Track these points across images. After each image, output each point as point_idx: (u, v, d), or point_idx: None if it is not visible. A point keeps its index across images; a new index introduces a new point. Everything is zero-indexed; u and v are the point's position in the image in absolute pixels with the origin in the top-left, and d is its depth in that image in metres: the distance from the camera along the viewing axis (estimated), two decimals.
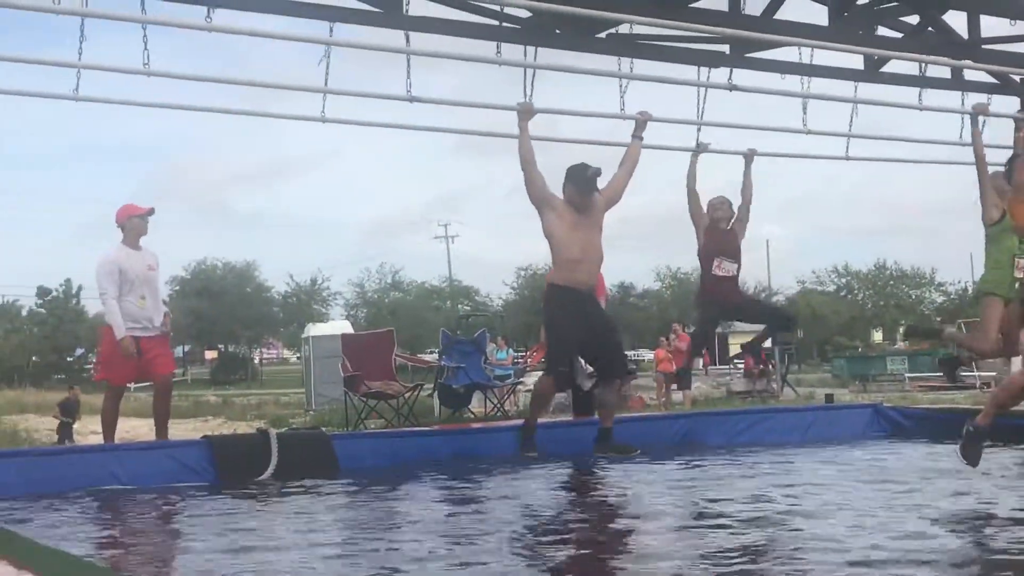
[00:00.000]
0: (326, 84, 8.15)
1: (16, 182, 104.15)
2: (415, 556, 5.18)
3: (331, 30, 8.22)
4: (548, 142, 9.63)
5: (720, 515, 6.15)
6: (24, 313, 64.52)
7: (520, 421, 9.25)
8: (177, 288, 62.05)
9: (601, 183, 8.19)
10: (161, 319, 9.30)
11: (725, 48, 10.16)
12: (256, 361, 68.65)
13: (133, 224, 9.26)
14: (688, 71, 9.77)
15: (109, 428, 9.23)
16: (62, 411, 21.42)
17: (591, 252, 8.07)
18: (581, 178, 8.02)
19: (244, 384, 54.80)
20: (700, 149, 9.78)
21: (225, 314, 60.79)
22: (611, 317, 8.65)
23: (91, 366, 61.58)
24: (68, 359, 61.09)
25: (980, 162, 8.68)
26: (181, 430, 13.68)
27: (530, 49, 9.09)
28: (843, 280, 72.51)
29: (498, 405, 18.20)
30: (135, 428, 20.49)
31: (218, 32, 7.44)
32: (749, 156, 9.95)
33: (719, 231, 9.67)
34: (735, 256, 9.67)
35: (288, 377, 52.63)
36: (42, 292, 63.07)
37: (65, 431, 20.29)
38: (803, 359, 56.97)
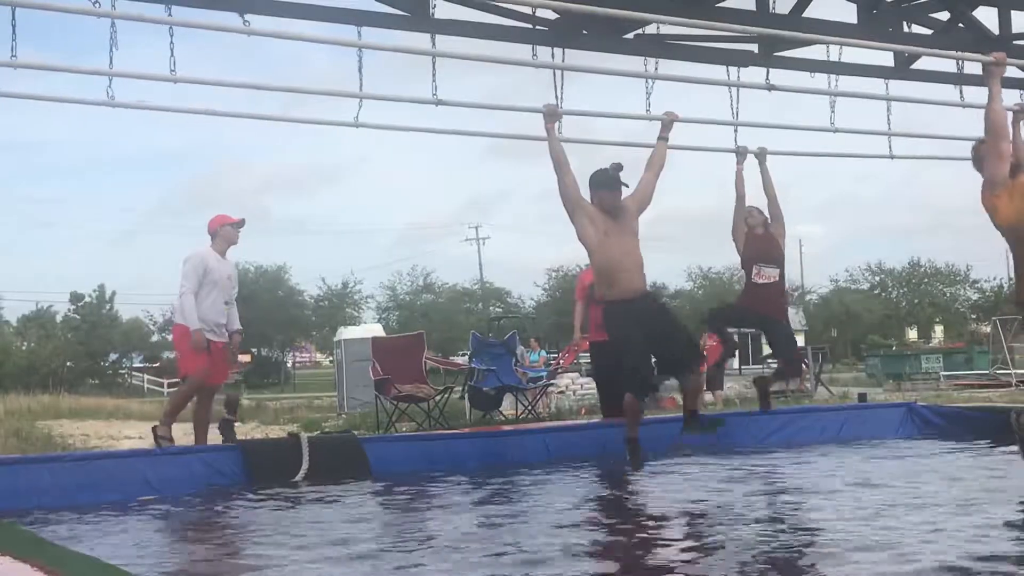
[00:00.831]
0: (360, 89, 8.14)
1: (51, 190, 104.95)
2: (446, 556, 5.18)
3: (359, 34, 8.23)
4: (582, 144, 9.56)
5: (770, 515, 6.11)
6: (58, 319, 65.00)
7: (552, 423, 9.24)
8: None
9: (628, 188, 8.11)
10: (233, 330, 9.46)
11: (753, 47, 10.10)
12: (289, 364, 68.85)
13: (225, 232, 9.40)
14: (715, 71, 9.72)
15: (201, 426, 9.29)
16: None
17: (629, 258, 7.90)
18: (605, 179, 7.95)
19: (277, 388, 54.99)
20: (742, 151, 9.68)
21: (258, 318, 60.93)
22: (671, 313, 8.50)
23: (124, 372, 62.14)
24: (102, 364, 61.48)
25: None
26: (214, 434, 13.63)
27: (558, 51, 9.06)
28: (877, 278, 72.01)
29: (529, 407, 18.16)
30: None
31: (253, 35, 7.45)
32: (761, 155, 9.82)
33: (756, 237, 9.61)
34: (776, 261, 9.58)
35: (321, 380, 52.76)
36: (75, 298, 63.53)
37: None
38: (837, 358, 56.65)
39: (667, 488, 7.88)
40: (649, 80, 8.98)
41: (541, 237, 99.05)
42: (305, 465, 8.32)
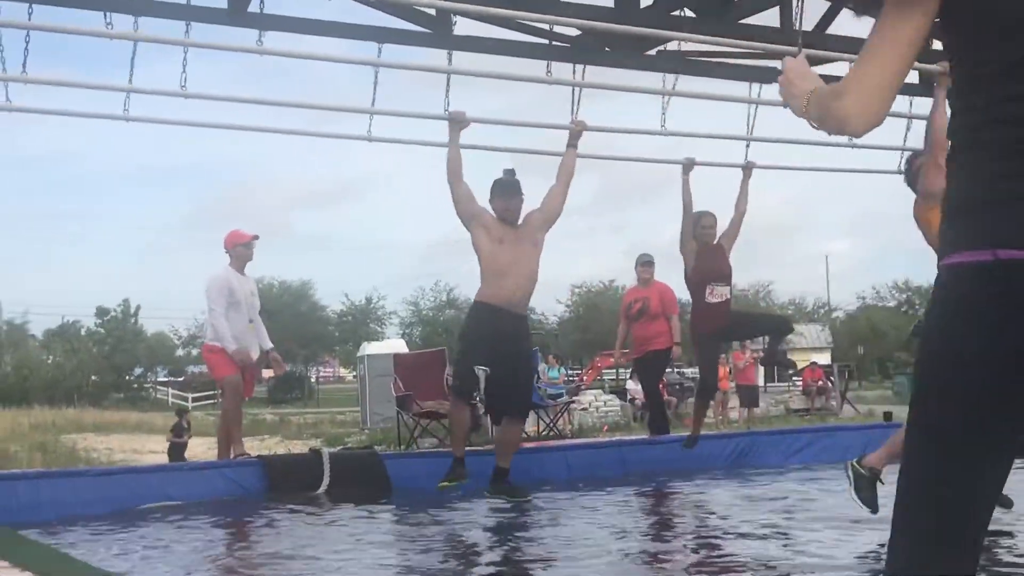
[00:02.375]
0: (373, 104, 8.18)
1: (78, 204, 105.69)
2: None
3: (379, 51, 8.26)
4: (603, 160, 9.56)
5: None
6: (83, 333, 65.35)
7: (574, 441, 9.19)
8: None
9: (537, 201, 7.93)
10: (266, 350, 9.57)
11: (777, 64, 10.06)
12: (312, 379, 69.00)
13: (239, 252, 9.45)
14: (738, 87, 9.69)
15: (224, 441, 9.29)
16: (175, 434, 21.69)
17: (518, 267, 7.59)
18: (500, 188, 7.78)
19: (300, 403, 55.09)
20: (689, 163, 9.51)
21: (281, 333, 61.22)
22: (528, 347, 8.05)
23: (149, 386, 62.35)
24: (127, 378, 61.76)
25: None
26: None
27: (578, 67, 9.05)
28: (904, 296, 71.64)
29: (551, 424, 18.14)
30: (192, 447, 20.68)
31: (269, 55, 7.51)
32: (747, 168, 9.64)
33: (708, 250, 9.33)
34: (727, 278, 9.34)
35: (344, 396, 52.85)
36: (101, 312, 63.89)
37: (177, 451, 20.39)
38: (864, 376, 56.35)
39: (676, 505, 7.83)
40: (665, 97, 8.97)
41: (564, 254, 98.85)
42: (326, 480, 8.32)
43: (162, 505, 7.68)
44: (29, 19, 6.63)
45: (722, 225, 9.42)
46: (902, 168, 6.93)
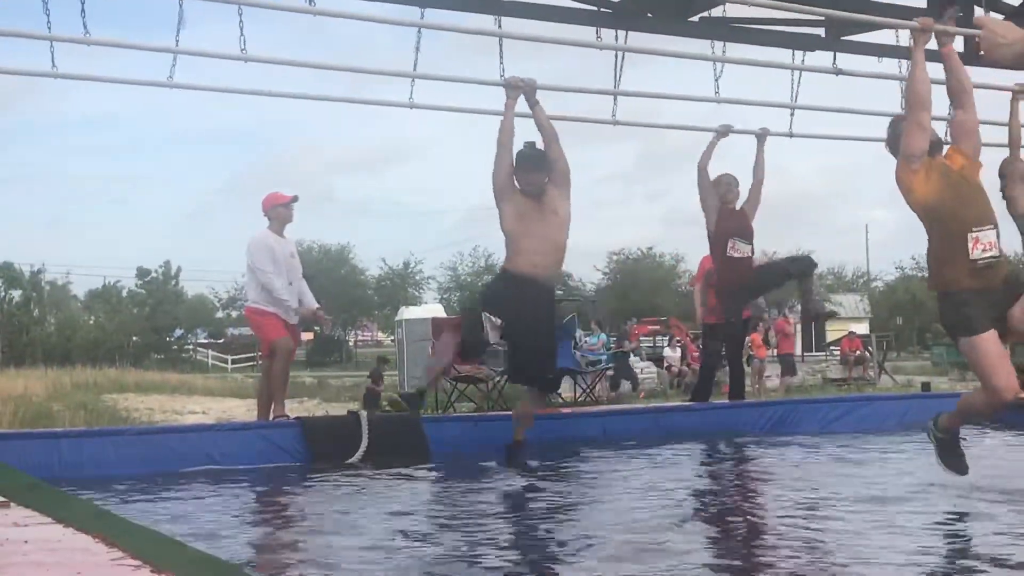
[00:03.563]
0: (415, 69, 8.14)
1: (120, 167, 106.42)
2: (501, 543, 5.19)
3: (422, 15, 8.23)
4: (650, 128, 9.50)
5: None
6: (124, 294, 65.91)
7: (611, 407, 9.19)
8: None
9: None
10: (313, 308, 9.62)
11: (820, 31, 9.98)
12: (351, 343, 69.36)
13: (278, 212, 9.44)
14: (782, 54, 9.61)
15: (264, 401, 9.37)
16: (373, 380, 22.33)
17: (542, 238, 7.35)
18: (522, 157, 7.47)
19: (339, 366, 55.42)
20: (722, 130, 9.49)
21: (320, 296, 61.34)
22: (551, 319, 7.73)
23: (189, 347, 62.88)
24: (167, 339, 62.33)
25: None
26: None
27: (621, 33, 9.01)
28: None
29: (588, 390, 18.16)
30: (232, 409, 20.89)
31: (318, 15, 7.48)
32: (762, 135, 9.64)
33: (730, 212, 9.42)
34: (749, 237, 9.40)
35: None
36: (141, 273, 64.38)
37: (372, 399, 20.62)
38: (902, 347, 55.96)
39: (725, 475, 7.83)
40: (718, 65, 8.90)
41: (602, 221, 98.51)
42: (364, 443, 8.37)
43: (202, 464, 7.77)
44: None
45: (743, 195, 9.48)
46: (886, 132, 6.61)
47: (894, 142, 6.38)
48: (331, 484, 7.28)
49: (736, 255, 9.32)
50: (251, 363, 50.35)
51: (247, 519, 6.10)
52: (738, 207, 9.56)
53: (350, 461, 8.17)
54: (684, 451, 8.69)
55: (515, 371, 7.65)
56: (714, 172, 9.51)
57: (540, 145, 7.57)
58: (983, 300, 5.92)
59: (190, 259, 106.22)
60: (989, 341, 5.86)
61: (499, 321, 7.13)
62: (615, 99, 8.91)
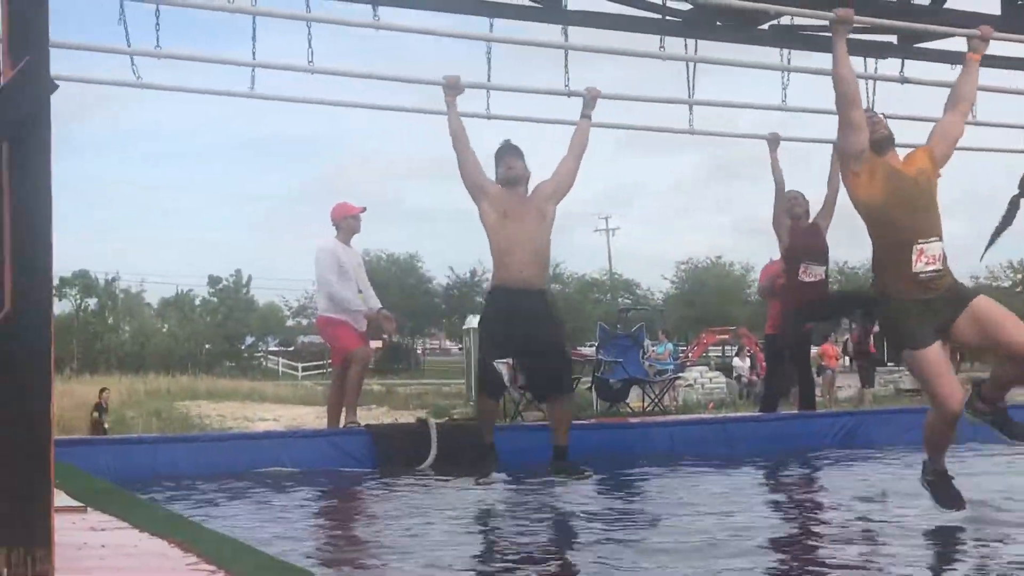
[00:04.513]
0: (488, 79, 8.18)
1: (192, 177, 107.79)
2: (570, 551, 5.19)
3: (491, 26, 8.26)
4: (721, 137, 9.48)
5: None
6: (197, 303, 66.79)
7: (679, 417, 9.15)
8: None
9: (549, 171, 7.43)
10: (377, 311, 9.64)
11: (893, 38, 9.86)
12: (419, 351, 69.68)
13: (347, 223, 9.55)
14: (854, 62, 9.50)
15: (334, 409, 9.41)
16: None
17: (524, 243, 7.06)
18: (505, 146, 7.33)
19: (407, 374, 55.71)
20: (774, 138, 9.36)
21: (388, 304, 61.58)
22: (555, 322, 7.49)
23: (260, 355, 63.56)
24: (238, 347, 63.05)
25: None
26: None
27: (690, 42, 8.97)
28: (1019, 276, 69.78)
29: (656, 400, 18.10)
30: (302, 416, 21.09)
31: (383, 29, 7.57)
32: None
33: (801, 229, 9.24)
34: (822, 257, 9.22)
35: (450, 368, 53.31)
36: (213, 281, 65.21)
37: None
38: (976, 356, 55.00)
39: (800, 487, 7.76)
40: (785, 73, 8.84)
41: (671, 229, 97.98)
42: (433, 452, 8.41)
43: (273, 471, 7.86)
44: None
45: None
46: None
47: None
48: (400, 491, 7.32)
49: (808, 279, 9.14)
50: (320, 371, 50.76)
51: (317, 526, 6.17)
52: (811, 220, 9.43)
53: (419, 469, 8.22)
54: (751, 463, 8.62)
55: (533, 386, 7.53)
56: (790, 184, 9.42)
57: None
58: (926, 309, 5.62)
59: (261, 267, 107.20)
60: (931, 353, 5.59)
61: (509, 362, 7.01)
62: (690, 108, 8.90)
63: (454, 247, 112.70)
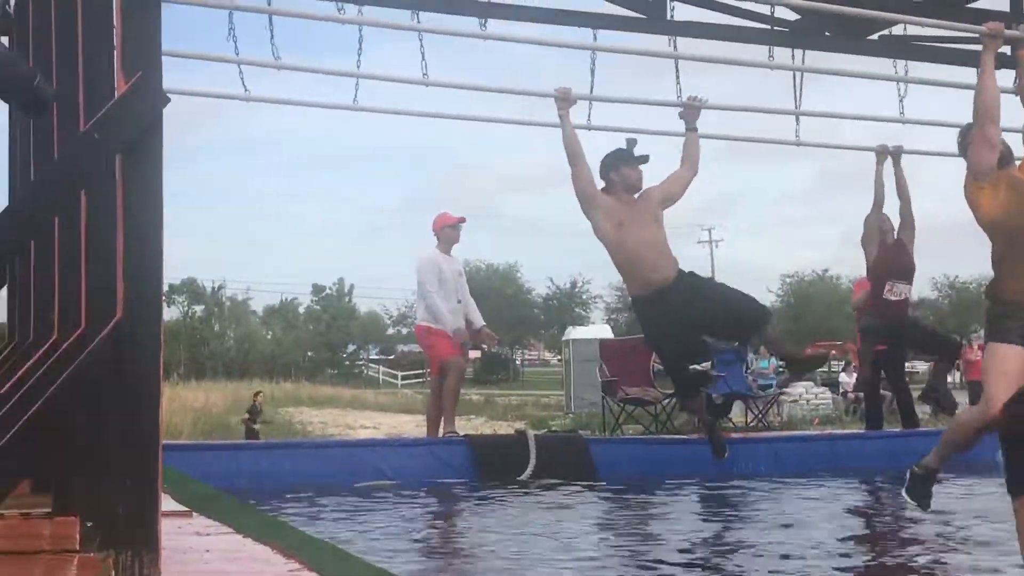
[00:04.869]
0: (591, 91, 8.16)
1: (296, 186, 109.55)
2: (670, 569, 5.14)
3: (595, 36, 8.25)
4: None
5: None
6: (301, 311, 67.79)
7: (783, 433, 9.01)
8: None
9: (661, 175, 7.46)
10: (479, 327, 9.73)
11: (1006, 49, 9.62)
12: (517, 362, 69.82)
13: (446, 233, 9.66)
14: (967, 73, 9.30)
15: (433, 419, 9.49)
16: None
17: (647, 247, 7.14)
18: (624, 154, 7.30)
19: (505, 384, 55.84)
20: (882, 150, 9.18)
21: (487, 315, 61.74)
22: (714, 281, 7.67)
23: (361, 363, 64.26)
24: (340, 355, 63.82)
25: None
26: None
27: (798, 52, 8.86)
28: None
29: (760, 416, 17.87)
30: (402, 424, 21.23)
31: (491, 39, 7.62)
32: (896, 153, 9.28)
33: (888, 246, 9.14)
34: (908, 275, 9.10)
35: (548, 379, 53.32)
36: (317, 290, 66.16)
37: None
38: None
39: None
40: (902, 85, 8.69)
41: (776, 242, 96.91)
42: (532, 463, 8.40)
43: (374, 480, 7.91)
44: (268, 4, 6.87)
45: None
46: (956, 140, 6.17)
47: (965, 151, 5.97)
48: (499, 502, 7.32)
49: (893, 298, 9.09)
50: (420, 379, 51.14)
51: (417, 534, 6.18)
52: (895, 236, 9.31)
53: (518, 479, 8.21)
54: (854, 481, 8.45)
55: (743, 330, 7.77)
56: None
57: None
58: None
59: (363, 276, 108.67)
60: (1009, 352, 5.44)
61: (705, 365, 7.17)
62: (797, 119, 8.81)
63: (555, 257, 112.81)
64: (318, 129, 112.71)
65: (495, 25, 7.80)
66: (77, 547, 3.90)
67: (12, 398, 3.56)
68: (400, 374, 58.06)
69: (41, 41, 4.24)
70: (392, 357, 65.87)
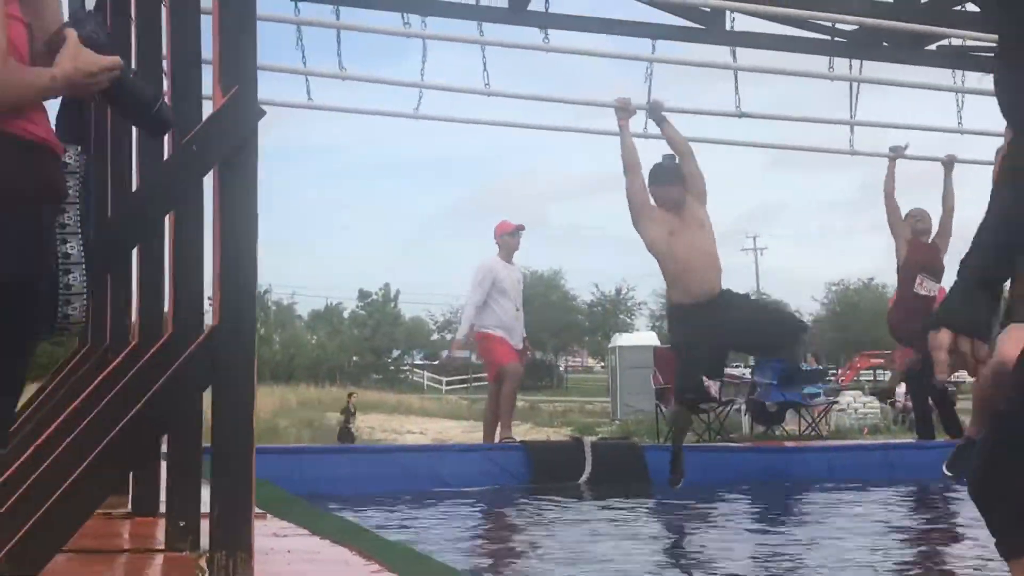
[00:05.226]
0: (648, 101, 8.19)
1: (344, 193, 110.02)
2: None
3: (653, 47, 8.33)
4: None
5: None
6: (346, 316, 68.07)
7: (839, 442, 9.02)
8: None
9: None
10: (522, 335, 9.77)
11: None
12: (562, 368, 69.75)
13: (504, 241, 9.77)
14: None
15: (490, 425, 9.52)
16: None
17: (697, 256, 7.15)
18: (660, 173, 7.27)
19: (550, 391, 55.81)
20: (897, 152, 9.20)
21: (532, 321, 61.66)
22: (751, 300, 7.77)
23: (406, 368, 64.47)
24: (385, 360, 64.04)
25: None
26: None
27: (855, 62, 8.90)
28: None
29: (812, 424, 17.81)
30: (447, 429, 21.33)
31: (553, 52, 7.72)
32: (948, 163, 9.26)
33: (922, 245, 9.12)
34: (939, 274, 9.07)
35: (593, 386, 53.28)
36: (362, 295, 66.43)
37: None
38: None
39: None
40: (959, 95, 8.70)
41: (821, 250, 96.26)
42: (588, 469, 8.47)
43: (433, 487, 8.01)
44: (337, 19, 7.01)
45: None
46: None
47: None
48: (557, 507, 7.39)
49: (923, 292, 9.05)
50: (464, 385, 51.24)
51: (479, 537, 6.27)
52: (931, 240, 9.31)
53: (574, 484, 8.28)
54: (908, 490, 8.45)
55: (779, 346, 7.66)
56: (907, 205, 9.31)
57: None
58: None
59: (408, 282, 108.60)
60: None
61: (716, 383, 7.18)
62: (851, 128, 8.83)
63: (600, 264, 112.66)
64: (368, 136, 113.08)
65: (556, 36, 7.90)
66: (161, 546, 4.03)
67: (98, 400, 3.67)
68: (445, 379, 58.18)
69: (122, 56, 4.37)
70: (437, 363, 66.00)
